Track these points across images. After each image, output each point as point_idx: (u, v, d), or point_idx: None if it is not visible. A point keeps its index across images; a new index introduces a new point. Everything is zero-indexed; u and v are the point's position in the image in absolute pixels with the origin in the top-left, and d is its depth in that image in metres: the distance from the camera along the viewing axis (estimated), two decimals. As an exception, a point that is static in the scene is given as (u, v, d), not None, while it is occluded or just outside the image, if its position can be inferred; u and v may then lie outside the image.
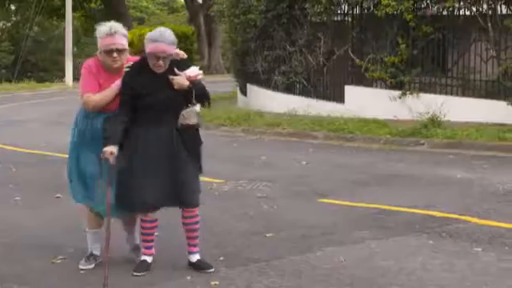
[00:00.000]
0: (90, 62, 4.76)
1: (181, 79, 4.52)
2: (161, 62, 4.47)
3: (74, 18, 33.71)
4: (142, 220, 4.69)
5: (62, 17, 33.27)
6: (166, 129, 4.53)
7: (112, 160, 4.44)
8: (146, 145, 4.53)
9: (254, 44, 16.14)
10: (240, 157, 9.82)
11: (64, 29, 32.53)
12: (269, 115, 13.82)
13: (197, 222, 4.70)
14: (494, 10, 11.65)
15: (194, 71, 4.59)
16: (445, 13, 12.38)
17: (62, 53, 33.20)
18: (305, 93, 15.03)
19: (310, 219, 6.11)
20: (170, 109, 4.53)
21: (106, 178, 4.48)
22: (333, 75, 14.64)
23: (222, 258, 4.91)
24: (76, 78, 31.96)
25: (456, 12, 12.27)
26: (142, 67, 4.56)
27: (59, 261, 5.01)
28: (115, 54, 4.58)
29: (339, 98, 14.10)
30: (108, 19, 4.90)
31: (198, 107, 4.59)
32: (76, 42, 36.89)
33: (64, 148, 11.31)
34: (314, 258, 4.96)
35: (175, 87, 4.51)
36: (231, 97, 19.62)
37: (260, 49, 15.99)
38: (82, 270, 4.71)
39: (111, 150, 4.43)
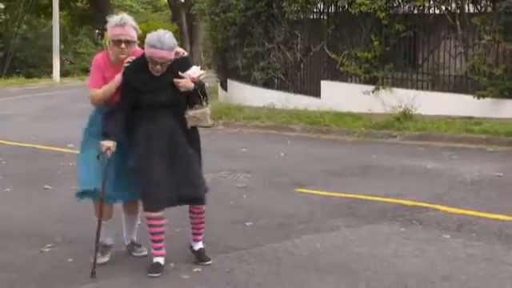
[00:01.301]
0: (98, 57, 4.71)
1: (186, 82, 4.44)
2: (158, 67, 4.40)
3: (60, 16, 33.54)
4: (147, 218, 4.51)
5: (50, 15, 33.12)
6: (168, 127, 4.45)
7: (109, 154, 4.40)
8: (150, 144, 4.44)
9: (233, 41, 16.25)
10: (220, 149, 9.81)
11: (51, 27, 32.35)
12: (248, 109, 13.86)
13: (203, 216, 4.68)
14: (462, 8, 11.83)
15: (195, 72, 4.51)
16: (416, 11, 12.53)
17: (49, 50, 33.07)
18: (283, 87, 15.18)
19: (288, 208, 6.22)
20: (171, 107, 4.45)
21: (102, 172, 4.45)
22: (309, 71, 14.82)
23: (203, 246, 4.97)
24: (63, 74, 32.11)
25: (426, 11, 12.43)
26: (142, 64, 4.46)
27: (48, 249, 5.10)
28: (123, 45, 4.52)
29: (316, 92, 14.27)
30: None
31: (208, 108, 4.54)
32: (63, 40, 36.74)
33: (52, 141, 11.34)
34: (291, 245, 5.05)
35: (181, 90, 4.44)
36: (212, 92, 19.69)
37: (239, 46, 16.10)
38: (99, 263, 4.63)
39: (108, 144, 4.39)
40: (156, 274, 4.47)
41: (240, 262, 4.61)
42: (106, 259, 4.80)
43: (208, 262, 4.65)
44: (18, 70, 35.44)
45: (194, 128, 4.58)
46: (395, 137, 10.64)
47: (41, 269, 4.69)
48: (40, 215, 6.25)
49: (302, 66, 14.99)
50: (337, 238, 5.23)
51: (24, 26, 38.06)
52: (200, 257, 4.70)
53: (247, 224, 5.70)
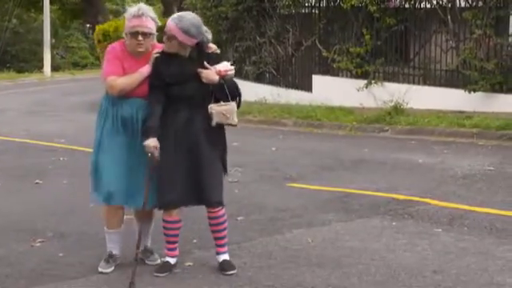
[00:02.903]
0: (115, 45, 4.43)
1: (210, 73, 4.26)
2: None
3: (51, 10, 33.42)
4: (163, 220, 4.42)
5: (40, 9, 33.06)
6: (191, 123, 4.28)
7: (156, 153, 4.20)
8: (169, 140, 4.28)
9: (225, 35, 16.24)
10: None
11: (42, 21, 32.25)
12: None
13: (221, 223, 4.42)
14: (453, 3, 11.88)
15: (224, 66, 4.30)
16: (407, 5, 12.57)
17: (40, 44, 33.00)
18: (274, 82, 15.23)
19: (280, 203, 6.24)
20: (197, 101, 4.28)
21: (148, 172, 4.24)
22: (301, 65, 14.86)
23: (195, 241, 5.00)
24: (54, 68, 32.05)
25: (417, 5, 12.47)
26: (170, 56, 4.30)
27: (38, 244, 5.10)
28: (140, 37, 4.25)
29: (307, 86, 14.33)
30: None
31: (234, 104, 4.33)
32: (54, 34, 36.64)
33: (43, 136, 11.31)
34: (283, 239, 5.08)
35: (203, 81, 4.25)
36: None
37: (231, 40, 16.12)
38: (101, 272, 4.45)
39: (154, 143, 4.20)
40: (162, 274, 4.38)
41: (232, 256, 4.55)
42: (111, 269, 4.50)
43: (231, 272, 4.38)
44: (8, 65, 35.38)
45: (221, 127, 4.37)
46: (387, 131, 10.69)
47: (32, 264, 4.69)
48: (31, 210, 6.25)
49: (293, 60, 15.02)
50: (328, 232, 5.25)
51: (14, 21, 37.99)
52: (222, 268, 4.43)
53: (239, 218, 5.70)
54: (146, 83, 4.31)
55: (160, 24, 4.43)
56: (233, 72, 4.38)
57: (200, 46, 4.35)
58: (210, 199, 4.34)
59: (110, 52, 4.39)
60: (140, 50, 4.31)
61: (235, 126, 4.37)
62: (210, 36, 4.38)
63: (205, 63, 4.29)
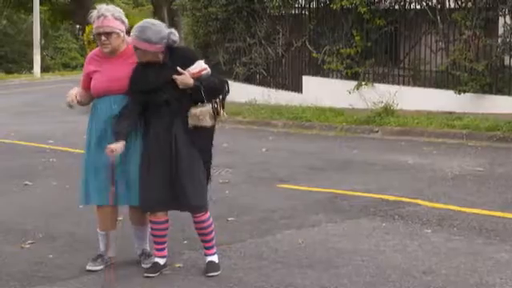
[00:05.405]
0: (93, 51, 4.60)
1: (185, 78, 4.21)
2: (137, 53, 4.31)
3: (41, 11, 33.31)
4: (150, 221, 4.45)
5: (30, 10, 32.95)
6: (169, 128, 4.27)
7: (116, 154, 4.23)
8: (151, 144, 4.30)
9: (215, 36, 16.26)
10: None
11: (32, 22, 32.17)
12: (230, 104, 13.90)
13: (206, 227, 4.40)
14: (443, 4, 11.93)
15: (196, 67, 4.25)
16: (397, 7, 12.63)
17: (30, 45, 32.94)
18: (264, 83, 15.25)
19: (270, 204, 6.24)
20: (177, 106, 4.26)
21: (109, 174, 4.29)
22: (291, 66, 14.89)
23: (185, 242, 5.00)
24: (44, 69, 32.03)
25: (407, 6, 12.54)
26: (146, 63, 4.31)
27: (28, 245, 5.09)
28: (103, 38, 4.34)
29: (297, 87, 14.36)
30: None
31: (209, 106, 4.30)
32: (44, 35, 36.53)
33: (32, 137, 11.23)
34: (273, 240, 5.08)
35: (180, 87, 4.22)
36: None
37: (221, 41, 16.15)
38: (88, 270, 4.49)
39: (114, 147, 4.22)
40: (152, 275, 4.39)
41: (222, 257, 4.56)
42: (99, 267, 4.53)
43: (211, 274, 4.37)
44: (-3, 66, 35.33)
45: (207, 134, 4.36)
46: (377, 132, 10.71)
47: (21, 265, 4.68)
48: (20, 211, 6.23)
49: (283, 61, 15.04)
50: (318, 233, 5.26)
51: (4, 22, 37.88)
52: (206, 270, 4.43)
53: (229, 219, 5.70)
54: (122, 80, 4.35)
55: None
56: (208, 70, 4.30)
57: (172, 51, 4.31)
58: (191, 204, 4.32)
59: (85, 60, 4.62)
60: (106, 50, 4.40)
61: (210, 127, 4.32)
62: (175, 37, 4.30)
63: (178, 68, 4.23)
